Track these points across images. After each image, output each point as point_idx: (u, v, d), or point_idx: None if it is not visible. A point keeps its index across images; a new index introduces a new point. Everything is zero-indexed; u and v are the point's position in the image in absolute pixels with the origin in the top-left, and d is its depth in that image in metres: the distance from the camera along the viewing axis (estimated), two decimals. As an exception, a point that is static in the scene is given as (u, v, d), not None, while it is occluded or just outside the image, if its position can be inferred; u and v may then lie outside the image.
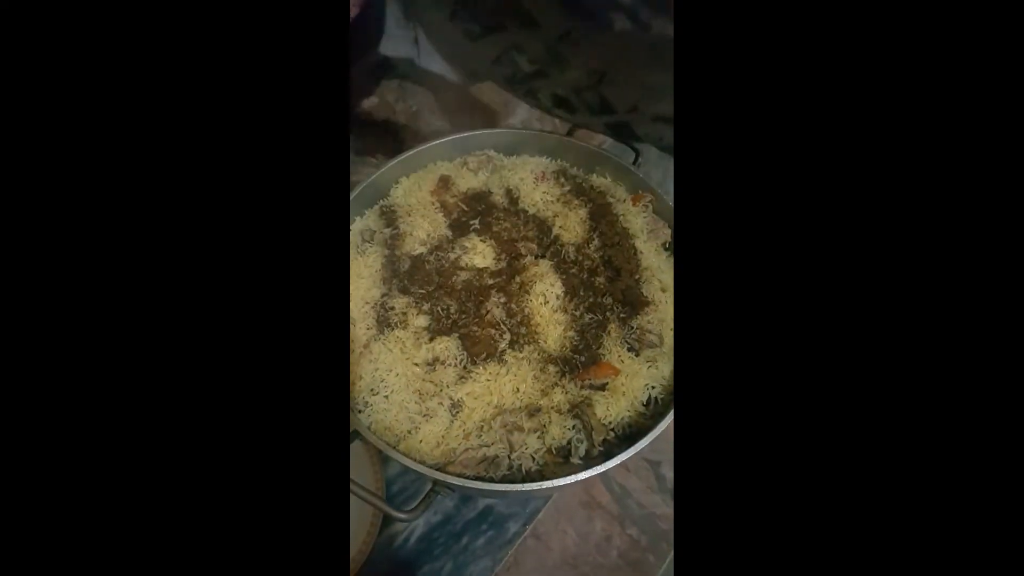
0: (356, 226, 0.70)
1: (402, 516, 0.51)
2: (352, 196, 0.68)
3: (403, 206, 0.70)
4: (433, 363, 0.57)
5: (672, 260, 0.68)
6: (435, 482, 0.53)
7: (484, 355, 0.58)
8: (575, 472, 0.52)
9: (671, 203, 0.69)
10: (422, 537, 0.73)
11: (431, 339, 0.59)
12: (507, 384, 0.57)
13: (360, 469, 0.71)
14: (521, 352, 0.59)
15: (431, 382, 0.56)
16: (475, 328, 0.60)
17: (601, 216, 0.69)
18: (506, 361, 0.58)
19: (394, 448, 0.54)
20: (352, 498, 0.48)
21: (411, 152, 0.73)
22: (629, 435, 0.58)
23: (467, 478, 0.52)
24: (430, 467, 0.53)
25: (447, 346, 0.58)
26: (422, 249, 0.66)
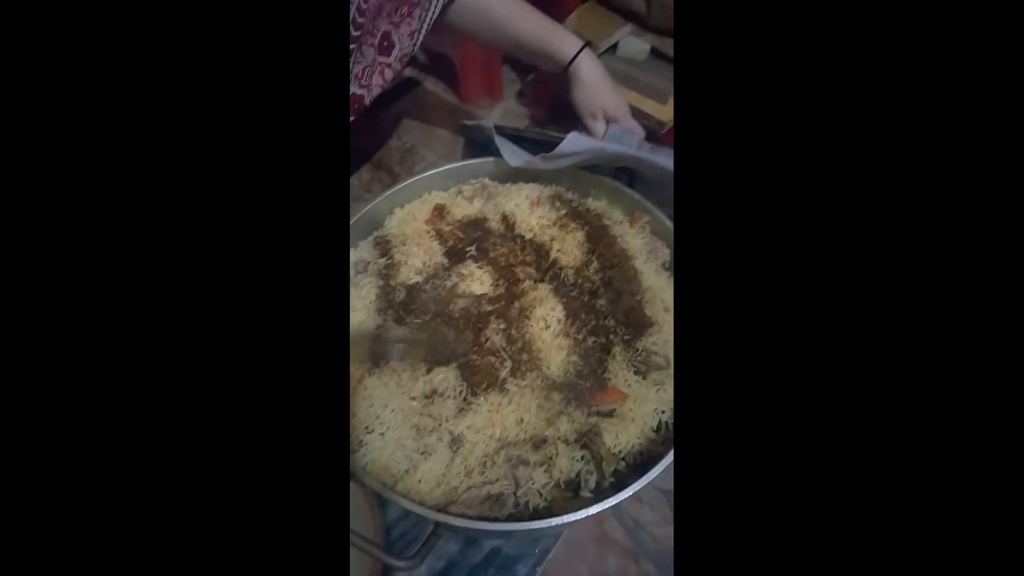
0: (350, 258, 0.69)
1: (401, 564, 0.47)
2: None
3: (397, 235, 0.69)
4: (431, 395, 0.55)
5: (673, 280, 0.66)
6: (436, 524, 0.49)
7: (485, 384, 0.56)
8: (586, 506, 0.49)
9: (669, 223, 0.68)
10: (423, 585, 0.69)
11: (428, 370, 0.56)
12: (510, 415, 0.54)
13: (357, 514, 0.67)
14: (523, 380, 0.57)
15: (429, 416, 0.53)
16: (474, 357, 0.57)
17: (599, 238, 0.68)
18: (508, 390, 0.56)
19: (391, 489, 0.51)
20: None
21: (405, 183, 0.73)
22: (641, 464, 0.55)
23: (470, 519, 0.49)
24: (430, 508, 0.50)
25: (445, 377, 0.56)
26: (418, 278, 0.65)
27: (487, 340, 0.59)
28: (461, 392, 0.55)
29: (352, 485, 0.50)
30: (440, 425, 0.53)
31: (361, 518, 0.67)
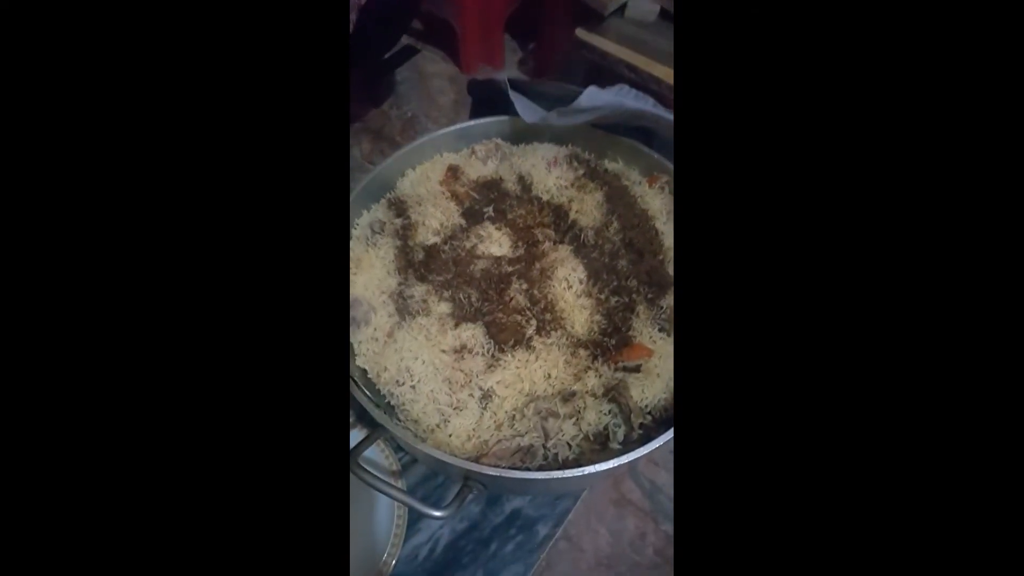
0: (364, 219, 0.67)
1: (437, 514, 0.47)
2: (356, 191, 0.66)
3: (412, 196, 0.68)
4: (460, 350, 0.54)
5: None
6: (467, 478, 0.49)
7: (512, 342, 0.55)
8: (614, 457, 0.49)
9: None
10: (448, 547, 0.69)
11: (456, 325, 0.56)
12: (538, 370, 0.54)
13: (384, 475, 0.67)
14: (549, 338, 0.57)
15: (460, 371, 0.53)
16: (500, 315, 0.57)
17: (618, 199, 0.67)
18: (534, 347, 0.56)
19: (423, 442, 0.50)
20: (370, 512, 0.44)
21: (415, 143, 0.71)
22: (666, 419, 0.55)
23: (502, 469, 0.49)
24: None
25: (473, 333, 0.55)
26: (436, 239, 0.63)
27: (512, 299, 0.58)
28: (489, 349, 0.55)
29: (374, 449, 0.49)
30: (470, 380, 0.53)
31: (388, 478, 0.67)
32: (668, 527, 0.74)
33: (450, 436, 0.51)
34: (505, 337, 0.55)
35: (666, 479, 0.79)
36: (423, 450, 0.48)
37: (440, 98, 1.27)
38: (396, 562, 0.65)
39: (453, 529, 0.70)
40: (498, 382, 0.53)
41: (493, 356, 0.55)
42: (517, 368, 0.54)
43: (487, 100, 0.81)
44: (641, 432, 0.53)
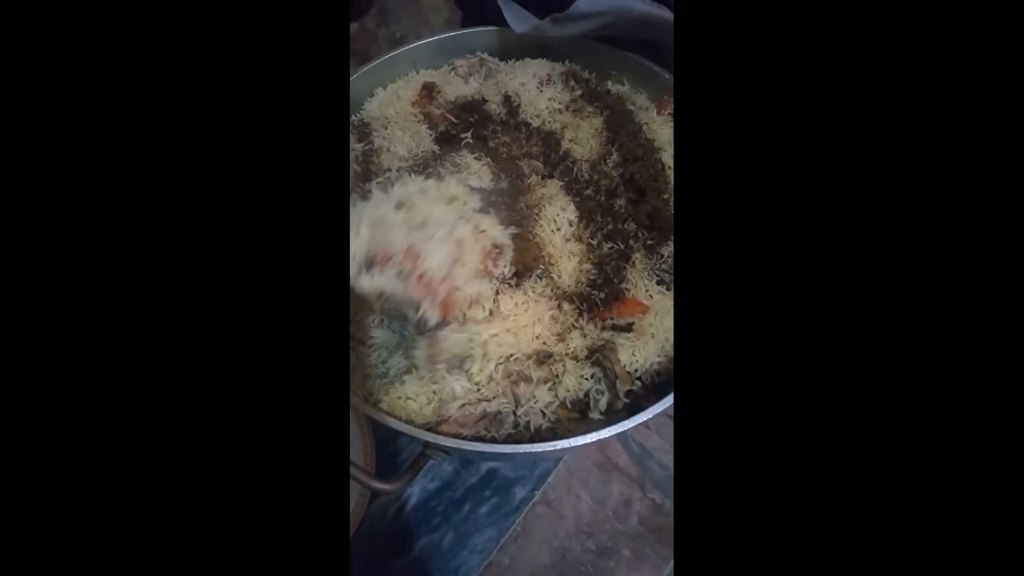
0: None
1: (383, 487, 0.41)
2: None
3: (378, 118, 0.58)
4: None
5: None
6: (426, 445, 0.43)
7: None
8: (595, 429, 0.43)
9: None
10: (418, 506, 0.65)
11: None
12: (517, 326, 0.46)
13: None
14: (528, 292, 0.48)
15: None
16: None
17: (620, 126, 0.57)
18: (510, 300, 0.48)
19: (375, 406, 0.44)
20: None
21: (386, 56, 0.60)
22: (658, 384, 0.48)
23: (464, 439, 0.42)
24: (420, 427, 0.43)
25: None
26: (402, 166, 0.54)
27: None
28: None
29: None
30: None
31: (352, 438, 0.61)
32: (656, 495, 0.69)
33: (406, 399, 0.44)
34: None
35: (658, 443, 0.73)
36: (373, 416, 0.42)
37: (433, 16, 1.13)
38: (361, 521, 0.61)
39: (424, 488, 0.65)
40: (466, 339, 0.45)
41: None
42: (486, 324, 0.46)
43: (477, 10, 0.69)
44: (628, 401, 0.46)
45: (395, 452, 0.66)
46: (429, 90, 0.59)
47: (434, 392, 0.45)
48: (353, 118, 0.60)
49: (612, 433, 0.42)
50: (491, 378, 0.45)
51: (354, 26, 1.09)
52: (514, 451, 0.41)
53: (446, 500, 0.65)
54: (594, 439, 0.42)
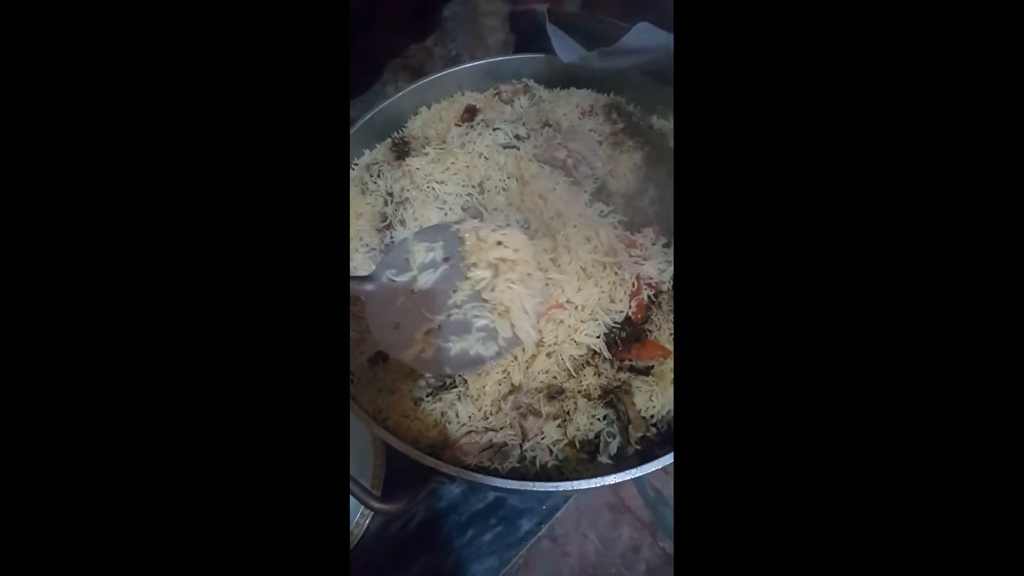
0: (364, 159, 0.60)
1: (384, 508, 0.41)
2: (358, 126, 0.58)
3: (419, 138, 0.59)
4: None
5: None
6: (429, 469, 0.43)
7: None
8: (602, 473, 0.41)
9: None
10: (423, 525, 0.64)
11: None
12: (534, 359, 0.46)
13: (356, 443, 0.62)
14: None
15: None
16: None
17: (659, 163, 0.56)
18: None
19: (382, 424, 0.44)
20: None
21: (433, 76, 0.62)
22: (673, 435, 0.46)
23: (467, 468, 0.42)
24: (425, 449, 0.43)
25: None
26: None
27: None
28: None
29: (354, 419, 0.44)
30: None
31: (361, 449, 0.62)
32: (668, 545, 0.66)
33: (414, 418, 0.44)
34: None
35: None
36: (379, 434, 0.42)
37: (490, 38, 1.14)
38: (364, 531, 0.62)
39: (430, 507, 0.65)
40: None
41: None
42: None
43: (532, 35, 0.70)
44: (639, 448, 0.44)
45: (406, 468, 0.66)
46: (472, 113, 0.60)
47: (442, 414, 0.45)
48: (394, 135, 0.61)
49: (619, 479, 0.41)
50: (499, 408, 0.44)
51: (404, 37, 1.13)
52: (517, 487, 0.40)
53: (451, 523, 0.64)
54: (599, 484, 0.41)
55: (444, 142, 0.57)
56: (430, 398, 0.46)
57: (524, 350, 0.45)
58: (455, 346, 0.41)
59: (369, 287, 0.43)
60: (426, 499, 0.63)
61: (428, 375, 0.46)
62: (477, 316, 0.42)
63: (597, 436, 0.44)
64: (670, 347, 0.47)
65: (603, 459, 0.44)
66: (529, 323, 0.43)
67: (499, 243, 0.44)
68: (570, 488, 0.40)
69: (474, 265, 0.43)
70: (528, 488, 0.40)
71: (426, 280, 0.44)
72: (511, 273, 0.43)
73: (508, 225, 0.49)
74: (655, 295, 0.48)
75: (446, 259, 0.44)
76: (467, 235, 0.45)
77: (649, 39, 0.53)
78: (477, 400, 0.45)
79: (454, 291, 0.43)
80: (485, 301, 0.43)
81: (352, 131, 0.57)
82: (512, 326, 0.42)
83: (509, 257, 0.44)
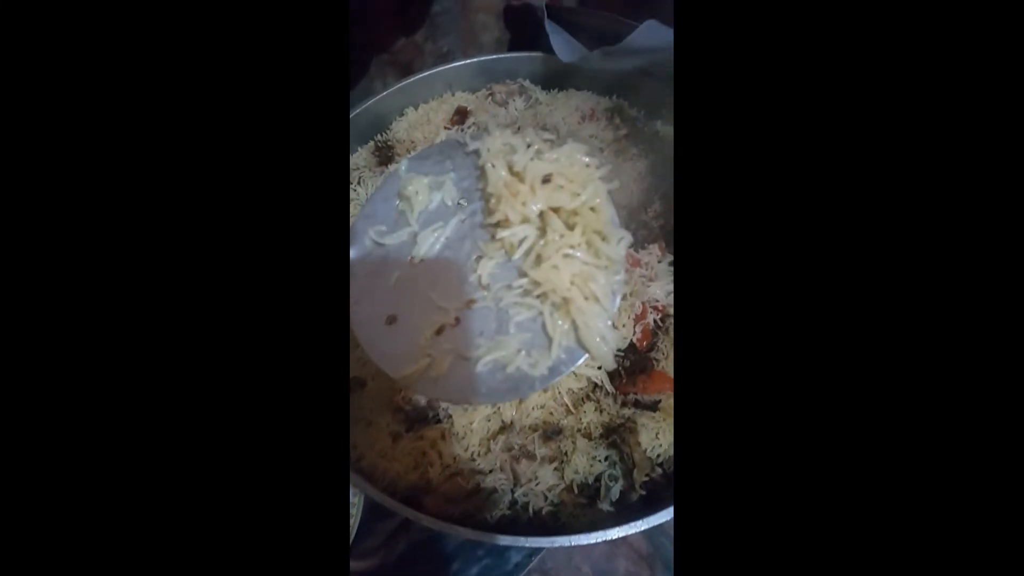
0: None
1: (358, 567, 0.36)
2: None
3: (404, 141, 0.54)
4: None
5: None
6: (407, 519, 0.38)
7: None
8: (603, 524, 0.37)
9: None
10: (403, 557, 0.59)
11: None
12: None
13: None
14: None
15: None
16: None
17: (666, 173, 0.51)
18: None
19: (356, 465, 0.39)
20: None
21: (421, 75, 0.57)
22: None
23: (449, 518, 0.37)
24: (401, 493, 0.39)
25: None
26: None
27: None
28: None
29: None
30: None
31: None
32: (665, 578, 0.61)
33: (391, 459, 0.40)
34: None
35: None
36: (353, 483, 0.37)
37: (483, 35, 1.09)
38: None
39: (412, 539, 0.60)
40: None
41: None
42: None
43: (526, 33, 0.65)
44: (644, 492, 0.40)
45: (382, 511, 0.61)
46: (463, 115, 0.55)
47: (423, 455, 0.40)
48: (378, 137, 0.56)
49: (622, 533, 0.37)
50: (488, 448, 0.39)
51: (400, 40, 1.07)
52: (505, 543, 0.36)
53: (435, 554, 0.60)
54: (600, 538, 0.36)
55: (431, 146, 0.52)
56: (410, 434, 0.41)
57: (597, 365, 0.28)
58: (484, 356, 0.27)
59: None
60: (390, 550, 0.59)
61: (408, 406, 0.41)
62: (517, 305, 0.27)
63: (597, 479, 0.40)
64: (678, 379, 0.42)
65: (604, 505, 0.39)
66: (603, 321, 0.27)
67: (547, 179, 0.27)
68: (567, 544, 0.36)
69: (506, 217, 0.27)
70: (520, 544, 0.36)
71: (432, 241, 0.28)
72: (571, 233, 0.26)
73: (563, 142, 0.30)
74: (661, 319, 0.44)
75: (461, 203, 0.28)
76: (493, 162, 0.27)
77: (657, 37, 0.48)
78: (463, 439, 0.40)
79: (477, 260, 0.28)
80: (528, 280, 0.27)
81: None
82: (575, 325, 0.27)
83: (566, 205, 0.26)
